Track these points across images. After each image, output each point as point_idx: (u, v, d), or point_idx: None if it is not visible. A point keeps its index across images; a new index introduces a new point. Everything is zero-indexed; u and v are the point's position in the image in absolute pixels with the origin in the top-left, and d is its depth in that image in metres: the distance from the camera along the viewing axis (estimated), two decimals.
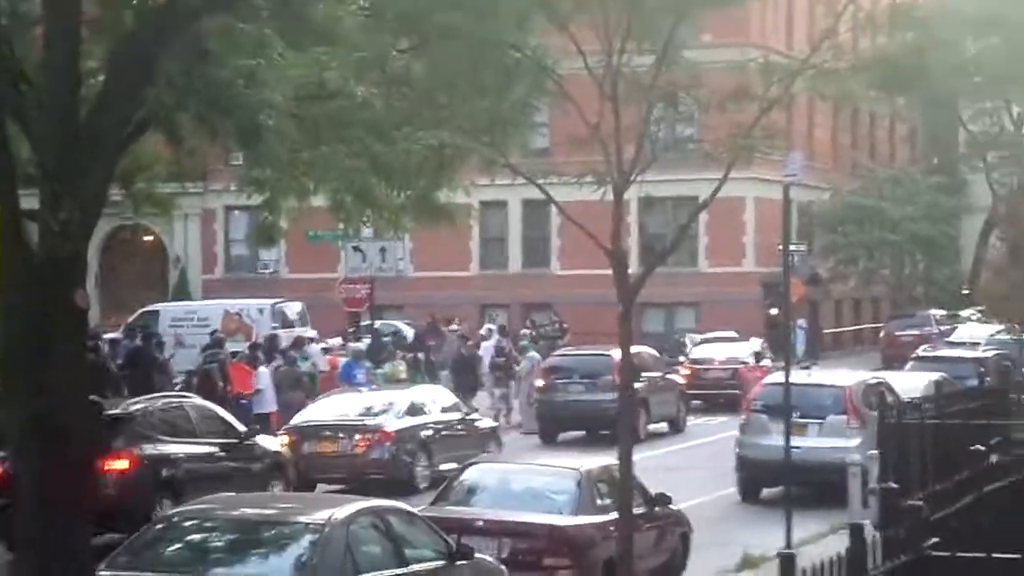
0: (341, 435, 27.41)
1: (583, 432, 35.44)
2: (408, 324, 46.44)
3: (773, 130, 17.33)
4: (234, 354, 33.91)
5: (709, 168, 17.18)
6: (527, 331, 46.11)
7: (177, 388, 30.49)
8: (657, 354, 39.22)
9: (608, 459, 18.44)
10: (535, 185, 16.83)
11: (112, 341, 35.93)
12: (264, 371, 31.57)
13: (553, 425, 35.70)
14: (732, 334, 47.69)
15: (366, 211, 19.04)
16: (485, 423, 30.85)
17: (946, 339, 45.88)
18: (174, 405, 23.62)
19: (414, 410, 28.48)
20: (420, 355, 40.19)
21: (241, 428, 24.28)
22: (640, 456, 20.15)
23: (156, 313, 45.15)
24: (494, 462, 22.40)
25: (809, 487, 24.60)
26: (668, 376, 38.03)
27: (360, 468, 26.85)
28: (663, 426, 36.69)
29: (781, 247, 22.61)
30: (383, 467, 27.03)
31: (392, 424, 27.67)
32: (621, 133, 15.80)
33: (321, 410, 28.81)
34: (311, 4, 13.84)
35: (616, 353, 17.18)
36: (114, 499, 20.30)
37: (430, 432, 28.11)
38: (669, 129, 17.34)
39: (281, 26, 13.84)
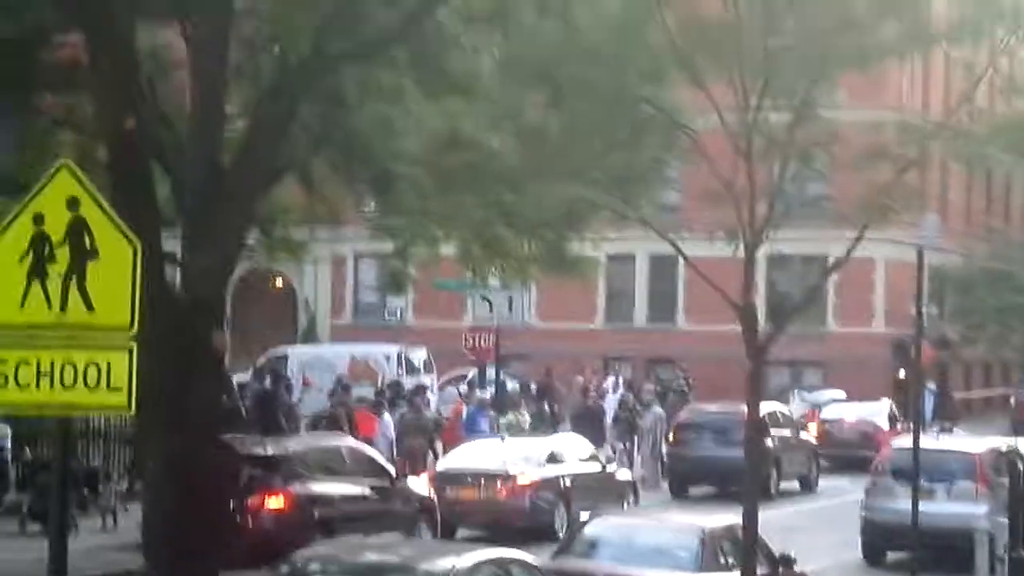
0: (483, 482, 27.60)
1: (714, 488, 35.26)
2: (509, 375, 46.09)
3: (908, 191, 17.19)
4: (360, 399, 34.13)
5: (840, 227, 17.04)
6: (651, 386, 45.89)
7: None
8: (789, 412, 38.93)
9: (734, 517, 18.29)
10: (665, 240, 16.78)
11: (241, 384, 36.30)
12: (388, 417, 31.69)
13: (683, 480, 35.62)
14: (840, 394, 47.27)
15: (494, 260, 19.16)
16: (622, 474, 30.94)
17: None
18: (330, 446, 24.02)
19: (554, 459, 28.65)
20: (545, 405, 40.15)
21: (392, 470, 24.58)
22: (768, 514, 19.96)
23: (284, 357, 45.57)
24: (617, 515, 22.31)
25: (934, 552, 24.25)
26: (800, 434, 37.79)
27: (501, 515, 27.02)
28: (795, 484, 36.42)
29: (913, 310, 22.39)
30: (523, 515, 27.20)
31: (533, 472, 27.84)
32: (755, 189, 15.74)
33: (462, 457, 29.01)
34: (449, 56, 13.95)
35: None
36: (270, 536, 20.66)
37: (569, 482, 28.25)
38: (801, 187, 17.25)
39: (418, 77, 13.97)
